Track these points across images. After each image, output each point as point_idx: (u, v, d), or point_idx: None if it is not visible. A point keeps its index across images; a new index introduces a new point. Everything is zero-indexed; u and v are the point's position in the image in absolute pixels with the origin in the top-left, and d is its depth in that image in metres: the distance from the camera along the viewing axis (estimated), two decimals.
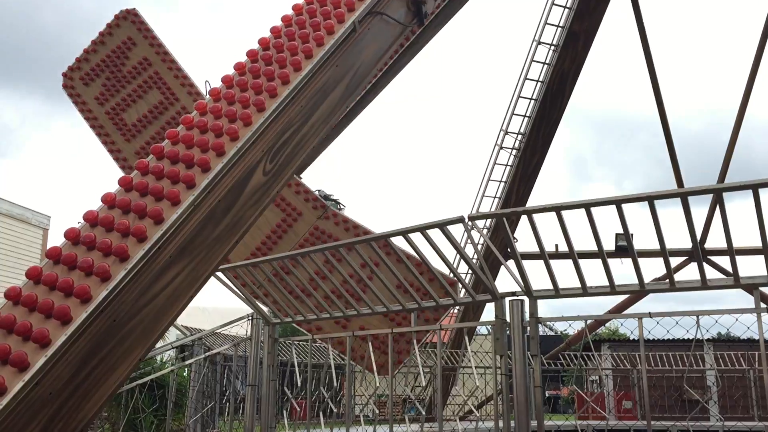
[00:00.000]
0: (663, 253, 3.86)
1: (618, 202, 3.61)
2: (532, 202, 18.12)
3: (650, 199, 3.51)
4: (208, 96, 4.40)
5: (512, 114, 17.52)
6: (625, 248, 15.37)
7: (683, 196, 3.47)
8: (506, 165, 17.92)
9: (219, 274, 5.37)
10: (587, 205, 3.66)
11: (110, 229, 3.60)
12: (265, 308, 6.21)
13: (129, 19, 10.47)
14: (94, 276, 3.38)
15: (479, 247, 17.50)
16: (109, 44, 10.47)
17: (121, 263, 3.45)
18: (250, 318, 6.65)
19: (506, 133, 17.67)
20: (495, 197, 18.14)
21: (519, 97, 17.37)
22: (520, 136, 17.57)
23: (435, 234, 4.13)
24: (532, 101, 17.24)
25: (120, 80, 10.41)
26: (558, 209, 3.72)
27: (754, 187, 3.23)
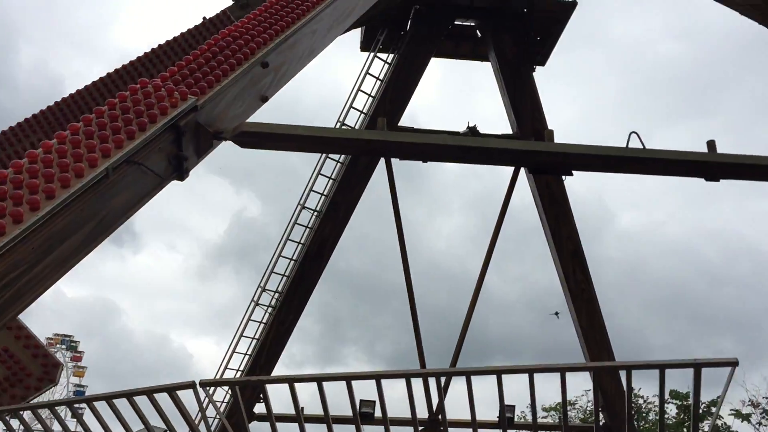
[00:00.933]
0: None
1: (348, 379, 3.70)
2: (283, 361, 18.04)
3: (378, 377, 3.65)
4: None
5: (271, 272, 17.78)
6: (368, 414, 15.56)
7: (407, 377, 3.67)
8: (260, 322, 17.86)
9: None
10: (319, 379, 3.71)
11: None
12: None
13: None
14: None
15: (224, 408, 16.77)
16: None
17: None
18: None
19: (263, 290, 17.79)
20: (246, 354, 17.81)
21: (279, 256, 17.76)
22: (277, 294, 17.75)
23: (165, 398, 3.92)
24: (292, 261, 17.69)
25: None
26: (291, 381, 3.73)
27: (467, 374, 3.51)
